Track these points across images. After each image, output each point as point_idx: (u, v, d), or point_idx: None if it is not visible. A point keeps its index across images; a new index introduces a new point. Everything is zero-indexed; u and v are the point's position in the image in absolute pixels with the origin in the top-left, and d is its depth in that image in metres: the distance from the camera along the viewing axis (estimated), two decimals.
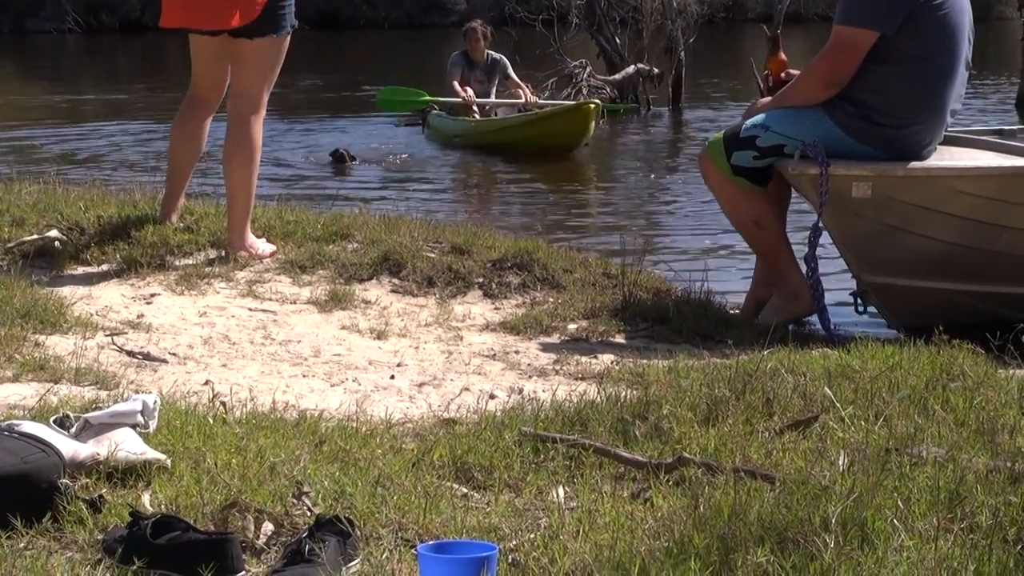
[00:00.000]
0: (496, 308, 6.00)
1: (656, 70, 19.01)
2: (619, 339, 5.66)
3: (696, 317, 5.88)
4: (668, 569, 2.83)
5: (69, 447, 3.40)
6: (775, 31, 7.00)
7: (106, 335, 5.27)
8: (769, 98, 6.34)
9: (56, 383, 4.47)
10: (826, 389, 4.21)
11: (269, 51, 6.37)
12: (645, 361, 5.10)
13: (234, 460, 3.51)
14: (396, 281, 6.18)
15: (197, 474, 3.43)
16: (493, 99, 15.65)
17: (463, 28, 16.21)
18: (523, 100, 15.46)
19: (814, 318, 6.15)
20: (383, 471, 3.54)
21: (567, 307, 5.91)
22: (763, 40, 6.92)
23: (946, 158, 6.27)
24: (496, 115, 15.69)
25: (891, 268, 6.15)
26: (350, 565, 3.02)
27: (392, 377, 4.97)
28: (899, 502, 3.12)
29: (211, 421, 3.93)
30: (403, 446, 3.93)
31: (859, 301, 6.42)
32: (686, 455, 3.66)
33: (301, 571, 2.95)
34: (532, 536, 3.14)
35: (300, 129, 16.87)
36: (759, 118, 6.19)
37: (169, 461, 3.49)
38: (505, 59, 15.70)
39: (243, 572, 3.03)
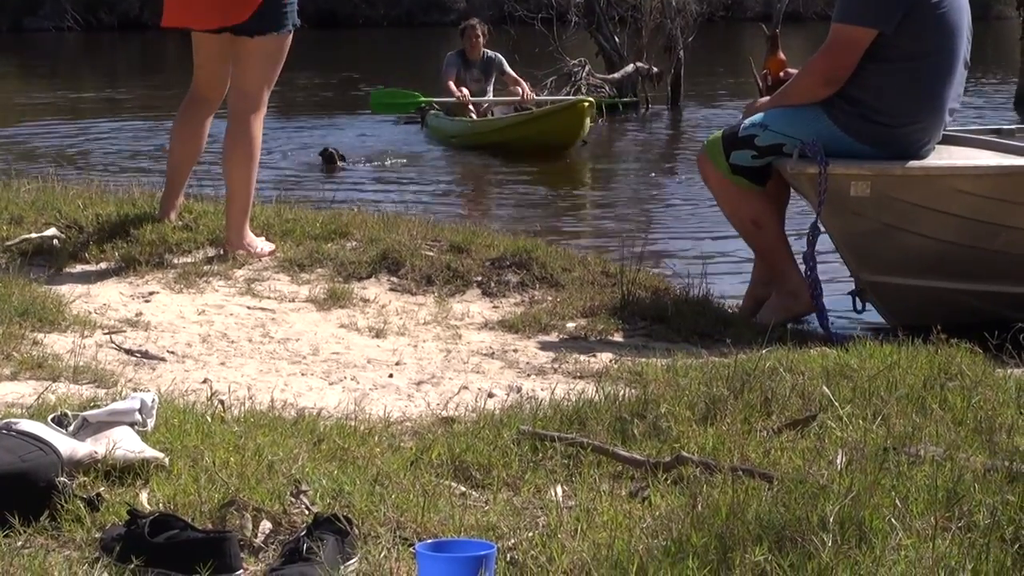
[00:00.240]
0: (495, 307, 6.00)
1: (655, 69, 19.01)
2: (617, 338, 5.66)
3: (695, 316, 5.88)
4: (666, 568, 2.83)
5: (67, 445, 3.40)
6: (774, 30, 7.00)
7: (104, 333, 5.27)
8: (767, 97, 6.34)
9: (54, 381, 4.46)
10: (824, 388, 4.21)
11: (271, 49, 6.37)
12: (643, 360, 5.10)
13: (232, 458, 3.51)
14: (395, 279, 6.18)
15: (195, 472, 3.43)
16: (489, 98, 15.65)
17: (460, 26, 16.20)
18: (519, 98, 15.47)
19: (812, 317, 6.15)
20: (381, 469, 3.54)
21: (566, 306, 5.91)
22: (762, 39, 6.91)
23: (944, 157, 6.27)
24: (492, 114, 15.70)
25: (889, 267, 6.15)
26: (348, 564, 3.02)
27: (391, 375, 4.97)
28: (897, 501, 3.12)
29: (209, 419, 3.93)
30: (401, 444, 3.93)
31: (857, 300, 6.42)
32: (684, 454, 3.65)
33: (299, 570, 2.95)
34: (530, 535, 3.14)
35: (292, 128, 16.80)
36: (758, 117, 6.19)
37: (167, 459, 3.49)
38: (501, 56, 15.71)
39: (241, 571, 3.03)
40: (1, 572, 2.91)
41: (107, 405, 3.75)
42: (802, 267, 6.13)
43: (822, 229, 6.03)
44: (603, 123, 16.99)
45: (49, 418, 3.56)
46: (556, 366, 5.18)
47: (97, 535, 3.15)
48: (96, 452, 3.44)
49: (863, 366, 4.54)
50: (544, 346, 5.47)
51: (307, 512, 3.24)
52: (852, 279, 6.43)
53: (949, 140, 6.48)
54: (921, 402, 4.13)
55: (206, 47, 6.48)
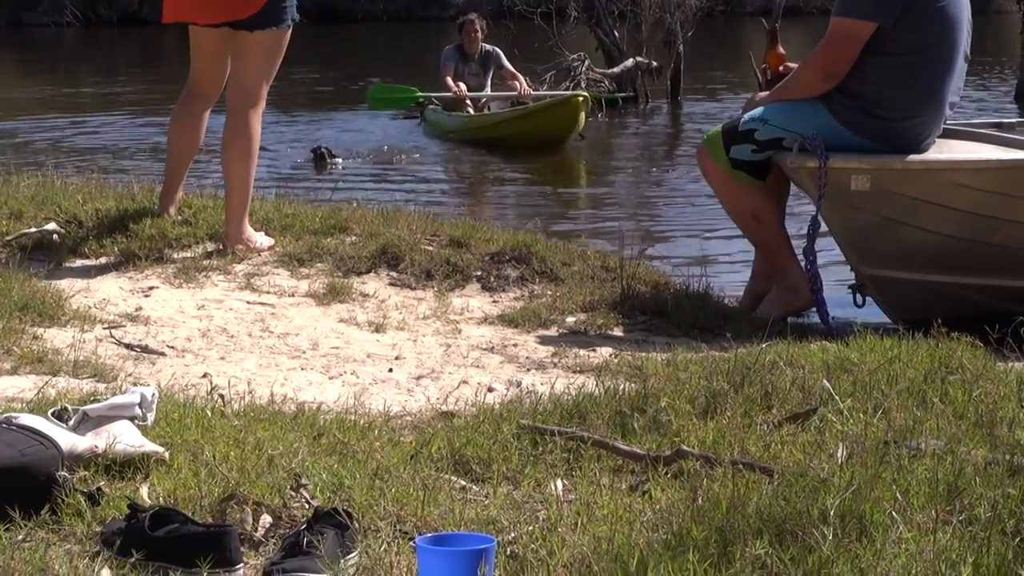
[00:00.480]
0: (494, 301, 6.00)
1: (655, 63, 18.99)
2: (617, 332, 5.66)
3: (694, 310, 5.88)
4: (666, 561, 2.83)
5: (67, 440, 3.40)
6: (773, 24, 6.99)
7: (104, 328, 5.27)
8: (767, 92, 6.34)
9: (54, 376, 4.46)
10: (824, 382, 4.20)
11: (270, 44, 6.36)
12: (643, 354, 5.09)
13: (232, 453, 3.51)
14: (394, 274, 6.17)
15: (195, 467, 3.43)
16: (487, 92, 15.65)
17: (458, 21, 16.19)
18: (517, 92, 15.47)
19: (813, 311, 6.15)
20: (381, 464, 3.54)
21: (565, 300, 5.91)
22: (762, 33, 6.90)
23: (945, 151, 6.26)
24: (489, 109, 15.71)
25: (890, 261, 6.14)
26: (348, 557, 3.02)
27: (390, 370, 4.97)
28: (898, 494, 3.12)
29: (209, 414, 3.93)
30: (401, 439, 3.93)
31: (858, 294, 6.42)
32: (684, 448, 3.65)
33: (299, 563, 2.95)
34: (530, 528, 3.14)
35: (285, 122, 16.75)
36: (757, 111, 6.19)
37: (167, 454, 3.49)
38: (499, 50, 15.71)
39: (241, 564, 3.02)
40: (2, 566, 2.90)
41: (107, 399, 3.75)
42: (802, 261, 6.13)
43: (822, 223, 6.03)
44: (603, 118, 16.98)
45: (49, 412, 3.56)
46: (556, 360, 5.17)
47: (97, 529, 3.15)
48: (96, 446, 3.44)
49: (863, 360, 4.54)
50: (544, 340, 5.47)
51: (307, 506, 3.24)
52: (852, 273, 6.43)
53: (949, 134, 6.47)
54: (922, 396, 4.13)
55: (204, 41, 6.46)
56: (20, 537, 3.12)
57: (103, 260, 6.22)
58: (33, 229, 6.34)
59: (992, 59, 24.86)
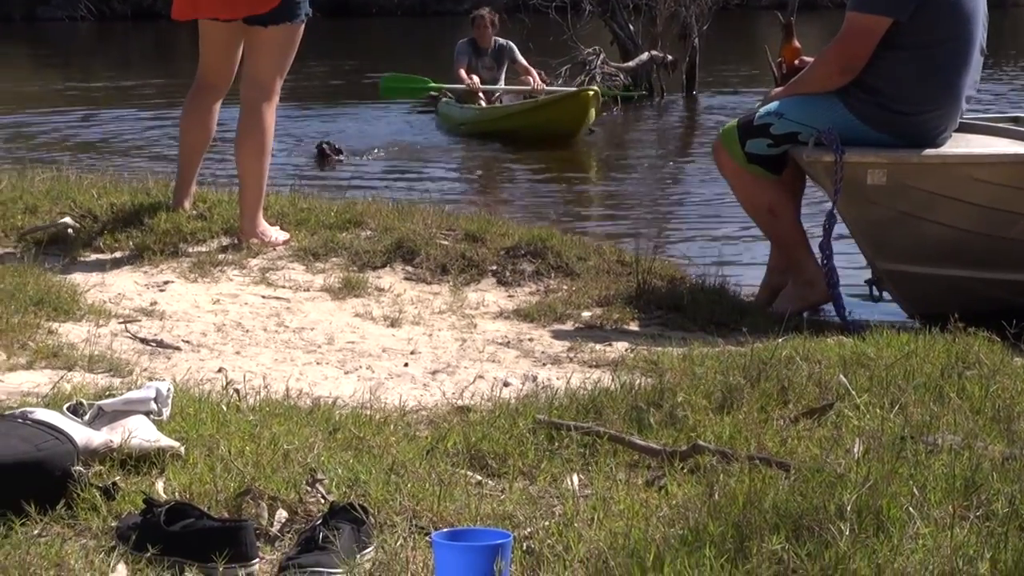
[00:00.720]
0: (510, 296, 6.00)
1: (670, 57, 18.95)
2: (633, 327, 5.66)
3: (710, 305, 5.87)
4: (683, 556, 2.82)
5: (83, 434, 3.40)
6: (789, 18, 6.98)
7: (119, 322, 5.27)
8: (783, 87, 6.33)
9: (70, 370, 4.47)
10: (841, 377, 4.20)
11: (284, 38, 6.36)
12: (659, 349, 5.09)
13: (248, 447, 3.51)
14: (409, 268, 6.17)
15: (211, 461, 3.43)
16: (500, 86, 15.66)
17: (471, 15, 16.20)
18: (530, 87, 15.48)
19: (829, 306, 6.14)
20: (397, 458, 3.54)
21: (581, 295, 5.91)
22: (777, 27, 6.89)
23: (961, 145, 6.25)
24: (501, 102, 15.72)
25: (906, 255, 6.13)
26: (364, 552, 3.02)
27: (406, 364, 4.96)
28: (915, 490, 3.11)
29: (224, 408, 3.93)
30: (417, 433, 3.93)
31: (874, 289, 6.40)
32: (701, 443, 3.65)
33: (315, 558, 2.95)
34: (546, 523, 3.14)
35: (295, 117, 16.73)
36: (773, 106, 6.18)
37: (183, 448, 3.49)
38: (512, 44, 15.72)
39: (257, 559, 3.02)
40: (18, 560, 2.91)
41: (122, 394, 3.76)
42: (818, 256, 6.12)
43: (838, 218, 6.01)
44: (618, 112, 16.96)
45: (65, 407, 3.56)
46: (572, 355, 5.17)
47: (113, 524, 3.15)
48: (112, 441, 3.44)
49: (880, 355, 4.53)
50: (559, 335, 5.46)
51: (323, 501, 3.24)
52: (868, 268, 6.42)
53: (966, 128, 6.45)
54: (939, 391, 4.12)
55: (215, 35, 6.46)
56: (36, 532, 3.13)
57: (118, 254, 6.23)
58: (48, 223, 6.36)
59: (1009, 53, 24.79)
